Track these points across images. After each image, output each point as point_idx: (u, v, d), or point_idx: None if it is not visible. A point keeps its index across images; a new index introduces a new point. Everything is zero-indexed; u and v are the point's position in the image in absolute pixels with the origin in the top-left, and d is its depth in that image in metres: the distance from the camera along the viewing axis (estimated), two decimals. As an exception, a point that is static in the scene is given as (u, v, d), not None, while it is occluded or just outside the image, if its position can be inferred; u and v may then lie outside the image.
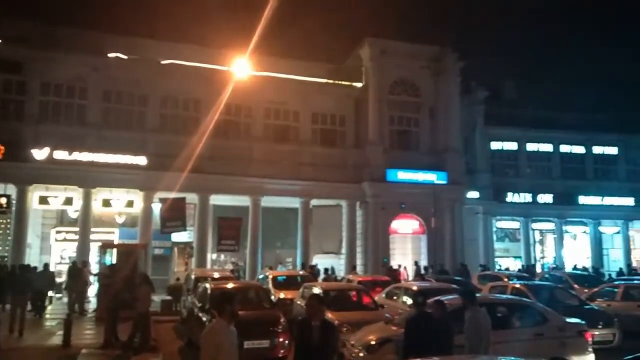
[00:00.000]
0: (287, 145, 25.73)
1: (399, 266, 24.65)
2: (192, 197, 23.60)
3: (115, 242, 23.15)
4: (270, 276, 18.02)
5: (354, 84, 27.37)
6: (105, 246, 19.74)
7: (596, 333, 11.94)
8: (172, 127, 24.24)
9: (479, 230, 30.27)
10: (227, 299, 5.56)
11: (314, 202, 25.77)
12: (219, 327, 5.36)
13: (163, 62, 24.32)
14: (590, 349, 9.10)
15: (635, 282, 17.27)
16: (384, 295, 14.66)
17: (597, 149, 34.18)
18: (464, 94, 29.77)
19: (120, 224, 24.44)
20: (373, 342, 8.57)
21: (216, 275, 16.69)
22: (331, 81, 27.08)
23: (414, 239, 27.68)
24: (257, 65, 25.32)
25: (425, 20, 62.19)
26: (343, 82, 27.34)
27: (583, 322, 9.64)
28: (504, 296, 12.34)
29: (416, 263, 24.33)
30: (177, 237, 24.38)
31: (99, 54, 23.31)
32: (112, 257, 18.60)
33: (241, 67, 24.42)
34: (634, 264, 31.78)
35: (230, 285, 12.75)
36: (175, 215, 22.29)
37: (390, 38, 27.78)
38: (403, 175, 26.17)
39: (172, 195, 22.16)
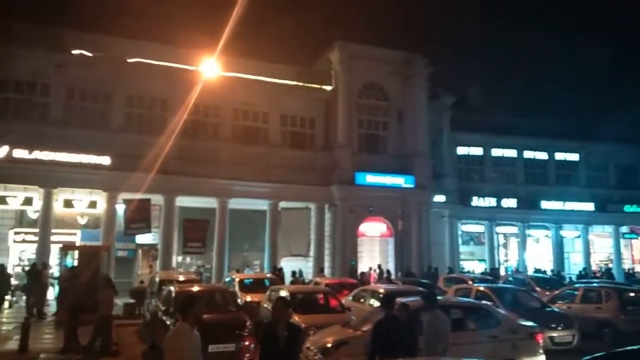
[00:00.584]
0: (255, 147, 25.56)
1: (370, 269, 24.78)
2: (157, 199, 23.17)
3: (77, 244, 22.54)
4: (237, 279, 17.80)
5: (324, 86, 27.45)
6: (67, 248, 19.17)
7: (556, 334, 12.29)
8: (137, 127, 23.76)
9: (445, 234, 30.70)
10: (191, 302, 5.50)
11: (283, 204, 25.68)
12: (182, 331, 5.30)
13: (129, 60, 23.85)
14: (541, 351, 9.29)
15: (594, 285, 17.77)
16: (351, 298, 14.69)
17: (559, 155, 35.14)
18: (432, 99, 30.20)
19: (82, 225, 23.81)
20: (329, 345, 8.54)
21: (181, 278, 16.42)
22: (301, 84, 27.08)
23: (382, 241, 27.90)
24: (226, 66, 25.11)
25: (395, 26, 62.91)
26: (313, 85, 27.39)
27: (534, 324, 9.84)
28: (460, 299, 12.52)
29: (379, 266, 24.45)
30: (142, 239, 23.89)
31: (62, 50, 22.67)
32: (73, 259, 18.09)
33: (210, 67, 24.17)
34: (594, 267, 32.79)
35: (195, 288, 12.54)
36: (139, 217, 21.85)
37: (360, 42, 27.99)
38: (371, 178, 26.34)
39: (137, 196, 21.71)
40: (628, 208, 34.41)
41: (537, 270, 29.40)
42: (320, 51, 28.77)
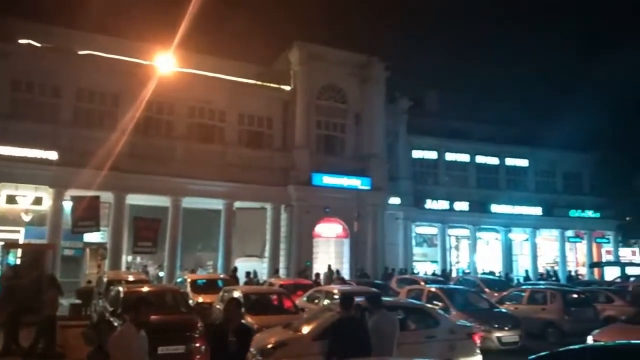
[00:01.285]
0: (211, 145, 25.15)
1: (330, 267, 24.77)
2: (107, 196, 22.43)
3: (21, 242, 21.61)
4: (189, 279, 17.50)
5: (282, 86, 27.31)
6: (9, 246, 18.43)
7: (504, 334, 12.64)
8: (87, 122, 22.94)
9: (399, 235, 31.13)
10: (138, 303, 5.46)
11: (238, 204, 25.36)
12: (128, 332, 5.24)
13: (80, 52, 23.01)
14: (477, 351, 9.52)
15: (540, 286, 18.39)
16: (305, 298, 14.64)
17: (509, 161, 36.25)
18: (389, 102, 30.62)
19: (26, 222, 22.73)
20: (269, 346, 8.50)
21: (131, 278, 16.04)
22: (260, 83, 26.86)
23: (337, 242, 28.01)
24: (182, 62, 24.63)
25: (355, 29, 63.45)
26: (271, 84, 27.21)
27: (471, 325, 10.08)
28: (400, 299, 12.70)
29: (329, 267, 24.43)
30: (90, 237, 23.04)
31: (8, 39, 21.63)
32: (16, 258, 17.33)
33: (165, 63, 23.66)
34: (540, 270, 33.99)
35: (145, 289, 12.25)
36: (88, 215, 21.09)
37: (320, 43, 28.03)
38: (328, 179, 26.40)
39: (86, 193, 20.97)
40: (573, 213, 35.85)
41: (484, 272, 30.22)
42: (280, 50, 28.66)
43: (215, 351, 5.88)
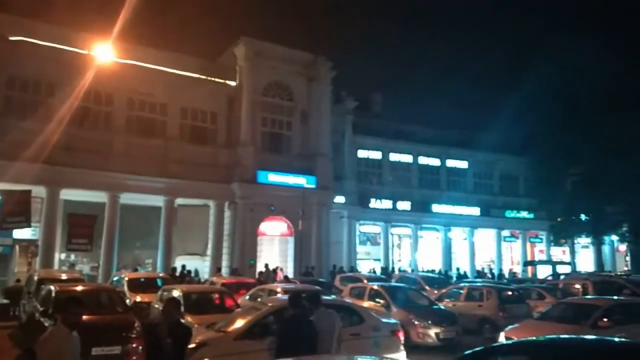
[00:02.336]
0: (152, 139, 24.40)
1: (277, 267, 24.60)
2: (39, 191, 21.30)
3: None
4: (126, 278, 16.90)
5: (228, 82, 26.88)
6: None
7: (441, 330, 12.97)
8: (19, 112, 21.59)
9: (344, 234, 31.37)
10: (69, 303, 5.32)
11: (179, 201, 24.77)
12: (59, 334, 5.05)
13: (12, 38, 21.69)
14: (401, 347, 9.70)
15: (477, 284, 19.01)
16: (247, 297, 14.44)
17: (450, 162, 37.34)
18: (335, 102, 30.81)
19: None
20: (190, 346, 8.35)
21: (64, 276, 15.36)
22: (204, 77, 26.30)
23: (282, 241, 27.91)
24: (122, 52, 23.74)
25: (302, 27, 63.50)
26: (216, 79, 26.71)
27: (396, 321, 10.29)
28: (326, 297, 12.68)
29: (266, 266, 24.10)
30: (20, 233, 21.81)
31: None
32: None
33: (104, 53, 22.71)
34: (478, 268, 35.21)
35: (79, 288, 11.76)
36: (18, 210, 19.90)
37: (267, 40, 27.80)
38: (273, 177, 26.22)
39: (16, 187, 19.82)
40: (509, 213, 37.46)
41: (427, 270, 30.98)
42: (226, 45, 28.19)
43: (151, 351, 5.80)
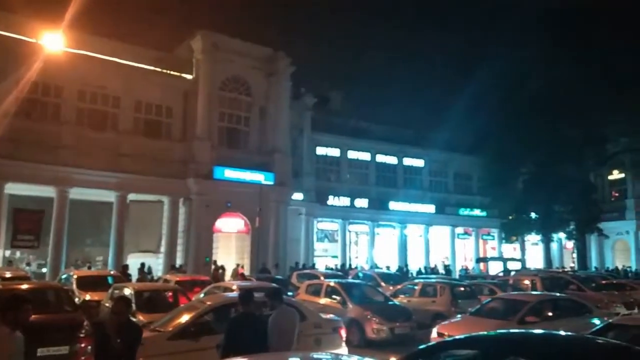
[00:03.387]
0: (104, 133, 23.64)
1: (237, 265, 24.25)
2: (-19, 185, 20.26)
3: None
4: (75, 276, 16.31)
5: (184, 75, 26.31)
6: None
7: (396, 326, 13.10)
8: (-41, 102, 20.50)
9: (302, 231, 31.33)
10: (11, 302, 5.00)
11: (132, 196, 24.08)
12: (0, 334, 4.68)
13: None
14: (343, 344, 9.74)
15: (431, 280, 19.32)
16: (202, 295, 14.16)
17: (407, 161, 37.92)
18: (294, 98, 30.68)
19: None
20: None
21: (8, 274, 14.68)
22: (159, 69, 25.65)
23: (238, 238, 27.58)
24: (73, 42, 22.83)
25: (262, 22, 62.94)
26: (172, 72, 26.10)
27: (338, 319, 10.34)
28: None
29: (214, 263, 23.68)
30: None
31: None
32: None
33: (53, 42, 21.74)
34: (432, 264, 35.84)
35: (24, 286, 11.20)
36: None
37: (225, 33, 27.34)
38: (230, 173, 25.86)
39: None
40: (462, 211, 38.40)
41: (377, 266, 31.30)
42: (183, 37, 27.56)
43: (100, 351, 5.67)
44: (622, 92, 28.28)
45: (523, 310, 10.62)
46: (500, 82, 30.83)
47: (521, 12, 29.29)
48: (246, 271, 23.70)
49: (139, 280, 19.51)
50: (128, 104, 24.71)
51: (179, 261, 24.44)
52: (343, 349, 9.56)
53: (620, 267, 37.91)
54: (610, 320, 7.74)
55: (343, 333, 9.84)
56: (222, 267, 22.60)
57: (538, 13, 29.15)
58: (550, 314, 11.16)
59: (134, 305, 11.47)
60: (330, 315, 10.52)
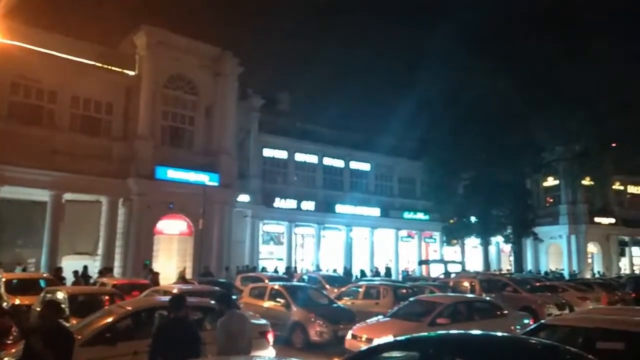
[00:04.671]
0: (38, 128, 22.42)
1: (184, 269, 23.55)
2: None
3: None
4: (3, 279, 15.43)
5: (126, 71, 25.43)
6: None
7: (340, 328, 13.11)
8: None
9: (247, 233, 30.99)
10: None
11: (68, 196, 23.01)
12: None
13: None
14: (270, 348, 9.69)
15: (375, 282, 19.53)
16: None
17: (353, 164, 38.31)
18: (242, 99, 30.34)
19: None
20: None
21: None
22: (99, 64, 24.65)
23: (181, 240, 26.89)
24: (6, 32, 21.56)
25: (210, 21, 61.97)
26: (114, 68, 25.16)
27: (266, 323, 10.30)
28: (191, 299, 12.28)
29: (145, 266, 22.88)
30: None
31: None
32: None
33: (-17, 31, 20.49)
34: (376, 267, 36.28)
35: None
36: None
37: (170, 30, 26.63)
38: (173, 173, 25.20)
39: None
40: (406, 214, 39.18)
41: (318, 269, 31.41)
42: (126, 32, 26.64)
43: (26, 355, 5.45)
44: (556, 103, 29.68)
45: (434, 312, 10.78)
46: (443, 89, 31.69)
47: (457, 23, 30.19)
48: (188, 274, 23.12)
49: (74, 283, 18.70)
50: (65, 99, 23.59)
51: (117, 264, 23.56)
52: (270, 352, 9.44)
53: (553, 269, 39.86)
54: (543, 321, 8.02)
55: (270, 337, 9.70)
56: (152, 270, 21.86)
57: (474, 24, 30.15)
58: (463, 316, 11.38)
59: (67, 310, 10.99)
60: (259, 320, 10.34)
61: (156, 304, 9.30)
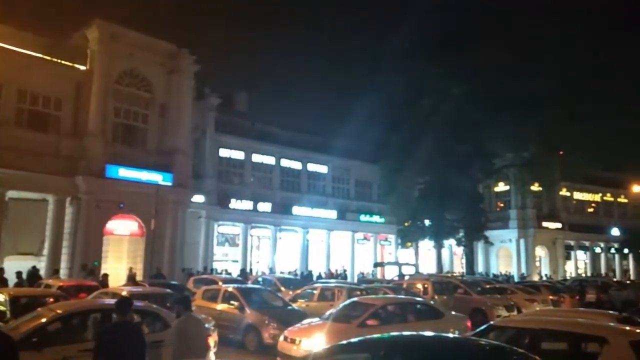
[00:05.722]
0: (-20, 123, 21.33)
1: (130, 269, 22.80)
2: None
3: None
4: None
5: (77, 65, 24.51)
6: None
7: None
8: None
9: (201, 235, 30.46)
10: None
11: (12, 193, 21.96)
12: None
13: None
14: (211, 353, 9.54)
15: (330, 285, 19.53)
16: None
17: (311, 166, 38.34)
18: (198, 98, 29.82)
19: None
20: None
21: None
22: (48, 58, 23.67)
23: (132, 241, 26.11)
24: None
25: (167, 19, 60.75)
26: (63, 62, 24.21)
27: (209, 326, 10.14)
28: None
29: (84, 267, 21.91)
30: None
31: None
32: None
33: None
34: (333, 269, 36.36)
35: None
36: None
37: (124, 25, 25.88)
38: (125, 172, 24.46)
39: None
40: (363, 217, 39.48)
41: (272, 271, 31.25)
42: (78, 26, 25.69)
43: None
44: (507, 112, 30.57)
45: (365, 314, 10.75)
46: (400, 94, 32.15)
47: (413, 29, 30.68)
48: (139, 276, 22.48)
49: (16, 285, 17.85)
50: (10, 93, 22.49)
51: (63, 265, 22.65)
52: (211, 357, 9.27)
53: (503, 272, 41.09)
54: (492, 322, 8.20)
55: (211, 341, 9.51)
56: (92, 271, 21.12)
57: (427, 34, 30.76)
58: (397, 317, 11.37)
59: (8, 313, 10.44)
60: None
61: (90, 306, 8.94)
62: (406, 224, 36.74)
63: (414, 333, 6.67)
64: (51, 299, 12.44)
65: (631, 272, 50.07)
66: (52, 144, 23.33)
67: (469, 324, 11.96)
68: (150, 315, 8.93)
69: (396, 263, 36.86)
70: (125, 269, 23.68)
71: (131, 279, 20.00)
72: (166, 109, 27.02)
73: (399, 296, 15.12)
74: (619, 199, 53.21)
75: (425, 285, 19.92)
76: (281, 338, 10.92)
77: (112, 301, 7.53)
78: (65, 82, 24.28)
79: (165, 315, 8.89)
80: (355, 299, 13.09)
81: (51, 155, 22.81)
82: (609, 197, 52.52)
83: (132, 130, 26.27)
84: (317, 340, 10.01)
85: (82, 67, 24.59)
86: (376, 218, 40.07)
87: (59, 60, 24.07)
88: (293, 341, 10.50)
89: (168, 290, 13.32)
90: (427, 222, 35.96)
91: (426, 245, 39.92)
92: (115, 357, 5.73)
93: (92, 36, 24.66)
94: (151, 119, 26.69)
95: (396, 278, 27.94)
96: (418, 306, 12.73)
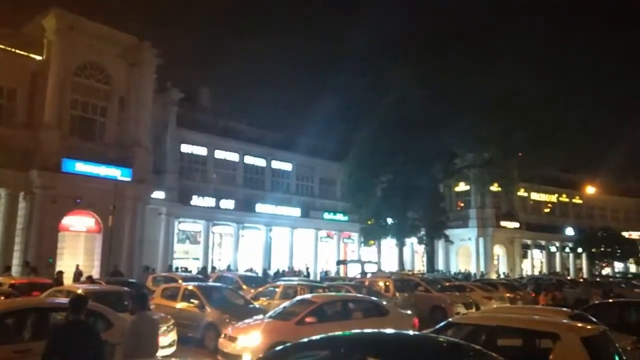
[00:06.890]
0: None
1: (77, 266, 22.13)
2: None
3: None
4: None
5: (32, 55, 23.65)
6: None
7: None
8: None
9: (161, 232, 29.89)
10: None
11: (-39, 188, 21.01)
12: None
13: None
14: (172, 348, 9.48)
15: (294, 282, 19.47)
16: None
17: (275, 164, 38.17)
18: (160, 91, 29.25)
19: None
20: None
21: None
22: (2, 47, 22.73)
23: (88, 237, 25.43)
24: None
25: (129, 10, 59.33)
26: (17, 51, 23.32)
27: (166, 327, 10.01)
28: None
29: (27, 264, 21.04)
30: None
31: None
32: None
33: None
34: (296, 267, 36.31)
35: None
36: None
37: (83, 15, 25.09)
38: (82, 167, 23.78)
39: None
40: (326, 215, 39.58)
41: (229, 268, 30.97)
42: (34, 14, 24.77)
43: None
44: (467, 113, 31.14)
45: (304, 311, 10.72)
46: (364, 93, 32.32)
47: (378, 29, 31.00)
48: (95, 274, 21.87)
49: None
50: (-39, 82, 21.58)
51: (15, 262, 21.80)
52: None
53: (463, 270, 41.97)
54: (450, 319, 8.32)
55: (169, 339, 9.35)
56: (34, 269, 20.37)
57: (393, 33, 31.10)
58: (338, 315, 11.35)
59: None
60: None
61: (29, 305, 8.57)
62: (369, 222, 37.00)
63: (376, 330, 6.69)
64: (1, 297, 12.00)
65: (584, 270, 51.99)
66: (5, 136, 22.50)
67: (415, 322, 12.01)
68: (93, 314, 8.61)
69: (359, 261, 37.08)
70: (82, 266, 23.01)
71: (78, 277, 19.41)
72: (126, 102, 26.40)
73: (346, 294, 15.02)
74: (574, 200, 55.10)
75: (387, 283, 20.09)
76: (222, 336, 10.76)
77: (57, 300, 7.26)
78: (20, 72, 23.50)
79: (109, 315, 8.60)
80: (302, 296, 13.01)
81: (4, 148, 21.97)
82: (564, 198, 54.35)
83: (90, 123, 25.53)
84: (253, 338, 9.95)
85: (38, 57, 23.79)
86: (340, 216, 40.25)
87: (13, 49, 23.17)
88: (232, 339, 10.38)
89: (125, 289, 13.01)
90: (389, 220, 36.31)
91: (388, 244, 40.31)
92: (68, 357, 5.51)
93: (49, 25, 23.86)
94: (110, 112, 25.99)
95: (359, 276, 28.09)
96: (365, 304, 12.67)
